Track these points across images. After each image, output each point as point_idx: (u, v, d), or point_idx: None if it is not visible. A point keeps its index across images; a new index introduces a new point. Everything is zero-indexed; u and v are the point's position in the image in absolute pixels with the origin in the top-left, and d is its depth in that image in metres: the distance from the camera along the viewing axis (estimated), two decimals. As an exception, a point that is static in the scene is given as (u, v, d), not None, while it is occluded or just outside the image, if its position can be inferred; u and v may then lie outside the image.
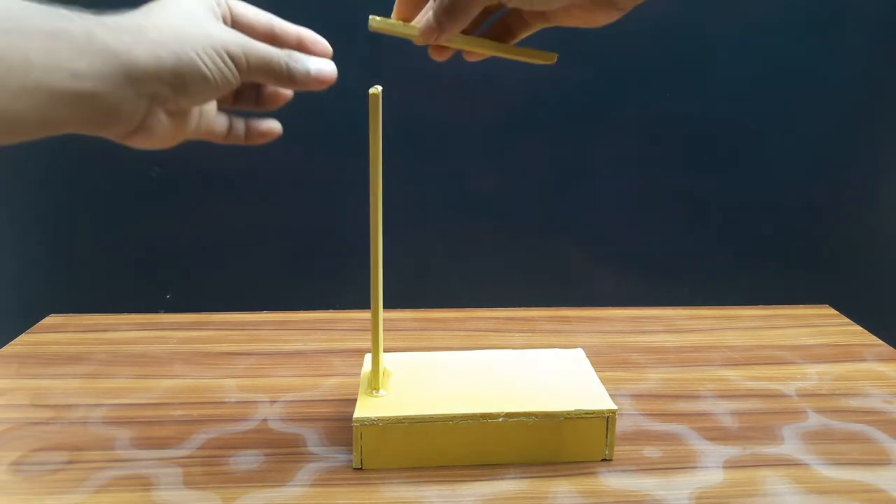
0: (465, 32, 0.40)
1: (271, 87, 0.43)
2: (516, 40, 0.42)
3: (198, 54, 0.34)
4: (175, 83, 0.34)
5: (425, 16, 0.39)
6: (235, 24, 0.39)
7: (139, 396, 0.61)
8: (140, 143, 0.36)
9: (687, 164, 0.80)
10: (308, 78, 0.39)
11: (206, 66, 0.34)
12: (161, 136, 0.36)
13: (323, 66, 0.39)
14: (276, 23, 0.41)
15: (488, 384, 0.54)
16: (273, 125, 0.44)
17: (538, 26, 0.41)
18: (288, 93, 0.43)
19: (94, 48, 0.31)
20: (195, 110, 0.39)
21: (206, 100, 0.37)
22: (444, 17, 0.37)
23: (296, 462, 0.51)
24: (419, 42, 0.40)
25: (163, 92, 0.34)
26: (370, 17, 0.40)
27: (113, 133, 0.35)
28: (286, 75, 0.38)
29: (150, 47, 0.33)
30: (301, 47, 0.41)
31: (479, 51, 0.42)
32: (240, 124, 0.43)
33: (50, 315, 0.79)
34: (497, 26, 0.41)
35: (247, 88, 0.43)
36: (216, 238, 0.80)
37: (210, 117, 0.41)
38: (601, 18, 0.36)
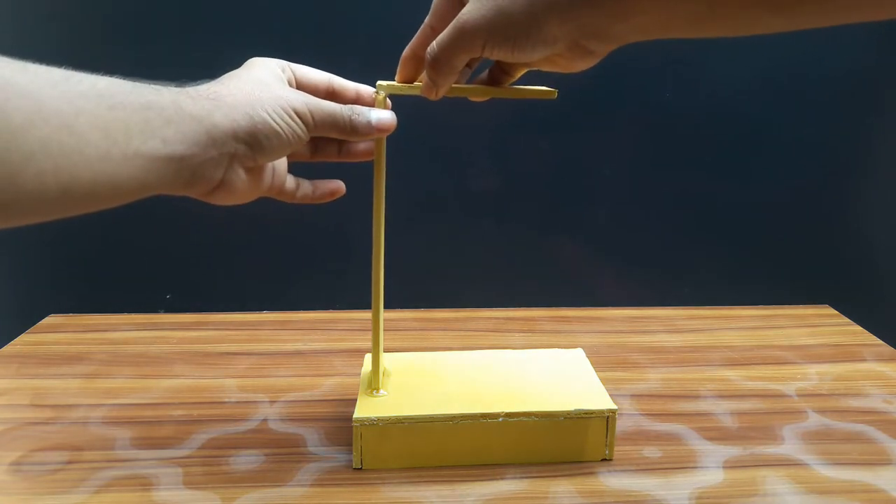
0: (460, 80, 0.43)
1: (356, 144, 0.48)
2: (513, 80, 0.45)
3: (268, 114, 0.38)
4: (250, 140, 0.38)
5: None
6: (299, 85, 0.43)
7: (139, 396, 0.61)
8: (221, 199, 0.40)
9: (687, 164, 0.80)
10: (370, 128, 0.43)
11: (277, 123, 0.39)
12: (240, 192, 0.41)
13: (383, 116, 0.43)
14: (336, 81, 0.45)
15: (488, 384, 0.54)
16: (338, 185, 0.49)
17: (522, 71, 0.44)
18: (370, 149, 0.48)
19: (180, 116, 0.35)
20: (268, 168, 0.44)
21: (280, 154, 0.41)
22: (433, 73, 0.41)
23: (296, 462, 0.51)
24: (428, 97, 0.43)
25: (240, 149, 0.38)
26: (377, 82, 0.45)
27: (199, 191, 0.39)
28: (350, 127, 0.42)
29: (226, 111, 0.37)
30: (359, 100, 0.45)
31: (480, 97, 0.45)
32: (307, 184, 0.48)
33: (50, 315, 0.79)
34: (492, 71, 0.45)
35: (326, 144, 0.48)
36: (216, 238, 0.80)
37: (281, 176, 0.46)
38: (580, 64, 0.39)
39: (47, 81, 0.31)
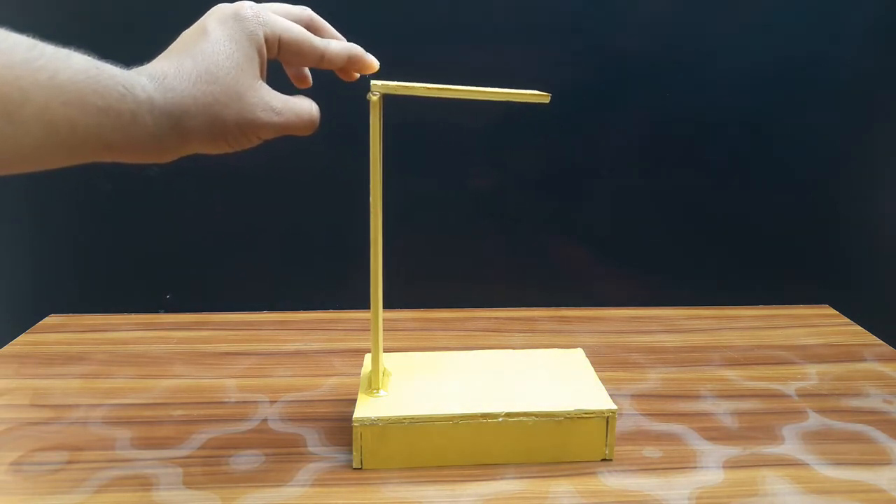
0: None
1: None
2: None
3: (227, 141, 0.38)
4: (201, 149, 0.38)
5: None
6: (283, 52, 0.40)
7: (139, 396, 0.61)
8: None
9: (687, 164, 0.80)
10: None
11: (230, 144, 0.38)
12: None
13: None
14: (328, 52, 0.41)
15: (488, 384, 0.54)
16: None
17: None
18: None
19: (135, 129, 0.34)
20: None
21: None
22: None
23: (296, 462, 0.51)
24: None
25: (189, 152, 0.37)
26: (372, 82, 0.44)
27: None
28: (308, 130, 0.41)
29: (184, 132, 0.35)
30: (349, 66, 0.43)
31: (474, 97, 0.45)
32: None
33: (50, 315, 0.79)
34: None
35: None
36: (216, 238, 0.80)
37: None
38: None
39: (5, 60, 0.29)
